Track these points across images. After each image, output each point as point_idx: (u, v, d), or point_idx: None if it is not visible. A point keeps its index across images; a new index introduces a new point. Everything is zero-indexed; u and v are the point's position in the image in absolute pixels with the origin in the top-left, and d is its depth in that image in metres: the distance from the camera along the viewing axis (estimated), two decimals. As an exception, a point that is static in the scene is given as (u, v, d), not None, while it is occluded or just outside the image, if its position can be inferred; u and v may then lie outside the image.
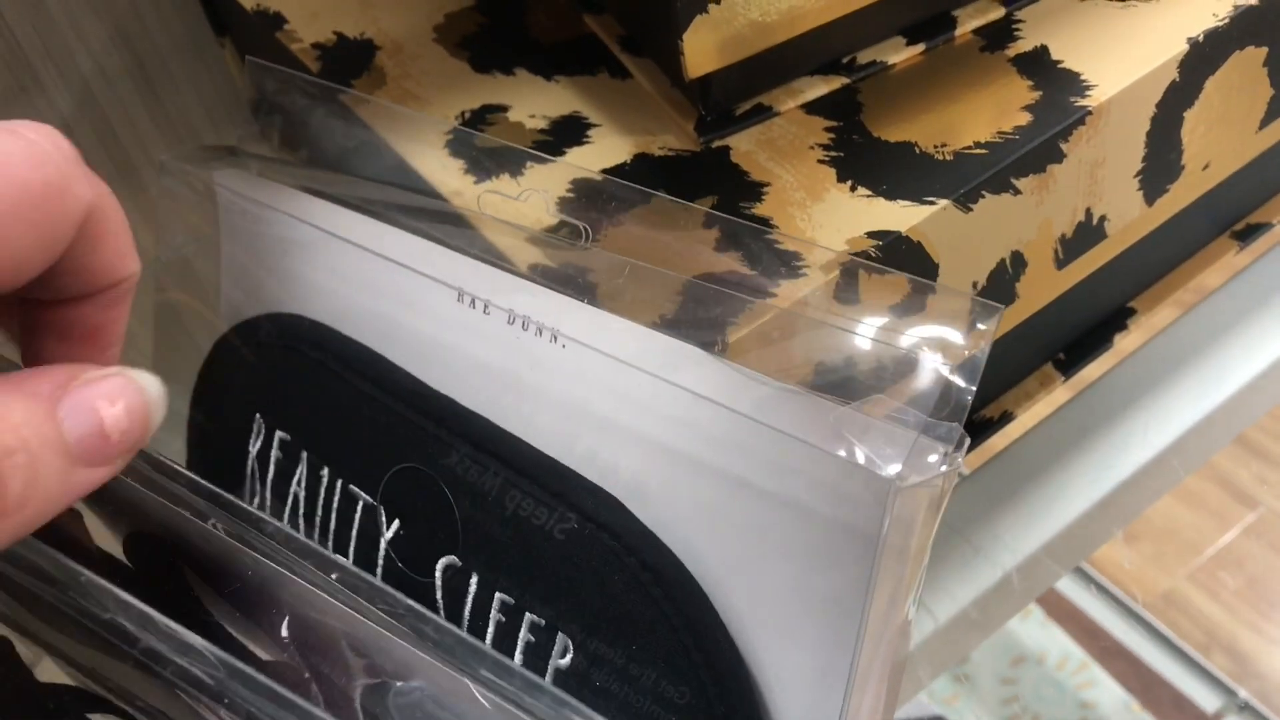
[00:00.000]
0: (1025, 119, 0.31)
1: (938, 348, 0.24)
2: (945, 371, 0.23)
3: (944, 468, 0.22)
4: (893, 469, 0.22)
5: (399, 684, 0.21)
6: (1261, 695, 1.17)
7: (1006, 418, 0.37)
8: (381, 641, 0.21)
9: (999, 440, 0.39)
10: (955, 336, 0.24)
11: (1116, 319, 0.39)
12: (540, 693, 0.23)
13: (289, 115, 0.35)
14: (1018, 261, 0.32)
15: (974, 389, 0.23)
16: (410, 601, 0.24)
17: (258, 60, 0.35)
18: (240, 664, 0.20)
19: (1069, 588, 1.26)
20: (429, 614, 0.24)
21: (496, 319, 0.28)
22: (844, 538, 0.23)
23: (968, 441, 0.23)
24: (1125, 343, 0.40)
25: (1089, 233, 0.34)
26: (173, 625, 0.20)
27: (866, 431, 0.23)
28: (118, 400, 0.21)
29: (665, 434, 0.26)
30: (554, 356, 0.27)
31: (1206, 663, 1.19)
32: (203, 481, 0.25)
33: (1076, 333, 0.38)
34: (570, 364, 0.27)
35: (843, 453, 0.23)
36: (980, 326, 0.24)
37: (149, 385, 0.22)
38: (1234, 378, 0.41)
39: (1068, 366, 0.38)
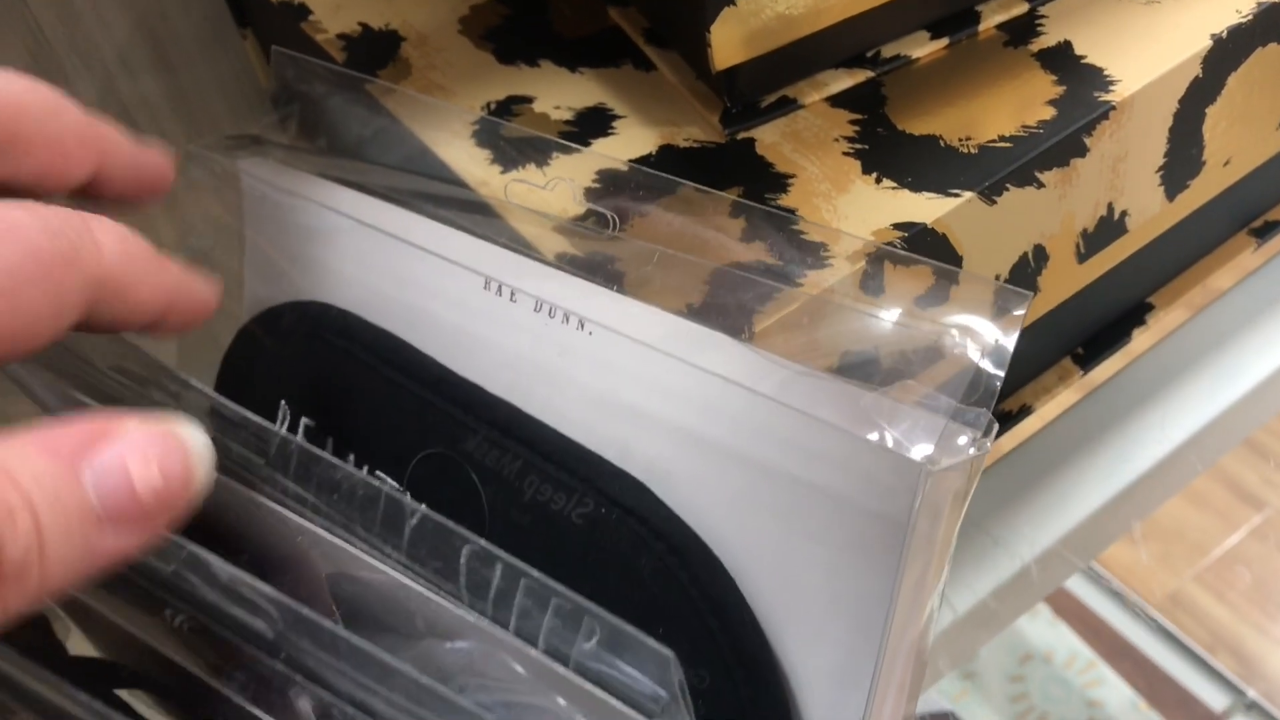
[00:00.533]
0: (1049, 113, 0.31)
1: (966, 334, 0.24)
2: (975, 357, 0.23)
3: (973, 451, 0.22)
4: (923, 452, 0.22)
5: (447, 644, 0.21)
6: (1268, 697, 1.17)
7: (1025, 411, 0.37)
8: (429, 605, 0.21)
9: (1017, 434, 0.39)
10: (983, 323, 0.24)
11: (1135, 314, 0.39)
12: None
13: (314, 105, 0.35)
14: (1040, 255, 0.33)
15: (1003, 374, 0.23)
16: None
17: (284, 50, 0.35)
18: (306, 610, 0.19)
19: (1077, 586, 1.26)
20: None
21: (523, 306, 0.28)
22: (873, 523, 0.23)
23: (996, 427, 0.23)
24: (1143, 338, 0.40)
25: (1110, 227, 0.34)
26: (239, 574, 0.20)
27: (896, 416, 0.23)
28: (151, 458, 0.19)
29: (693, 420, 0.26)
30: (581, 343, 0.27)
31: (1215, 662, 1.20)
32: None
33: (1096, 327, 0.39)
34: (598, 351, 0.27)
35: (873, 436, 0.23)
36: (1014, 312, 0.24)
37: (190, 439, 0.20)
38: (1249, 374, 0.42)
39: (1086, 361, 0.38)
